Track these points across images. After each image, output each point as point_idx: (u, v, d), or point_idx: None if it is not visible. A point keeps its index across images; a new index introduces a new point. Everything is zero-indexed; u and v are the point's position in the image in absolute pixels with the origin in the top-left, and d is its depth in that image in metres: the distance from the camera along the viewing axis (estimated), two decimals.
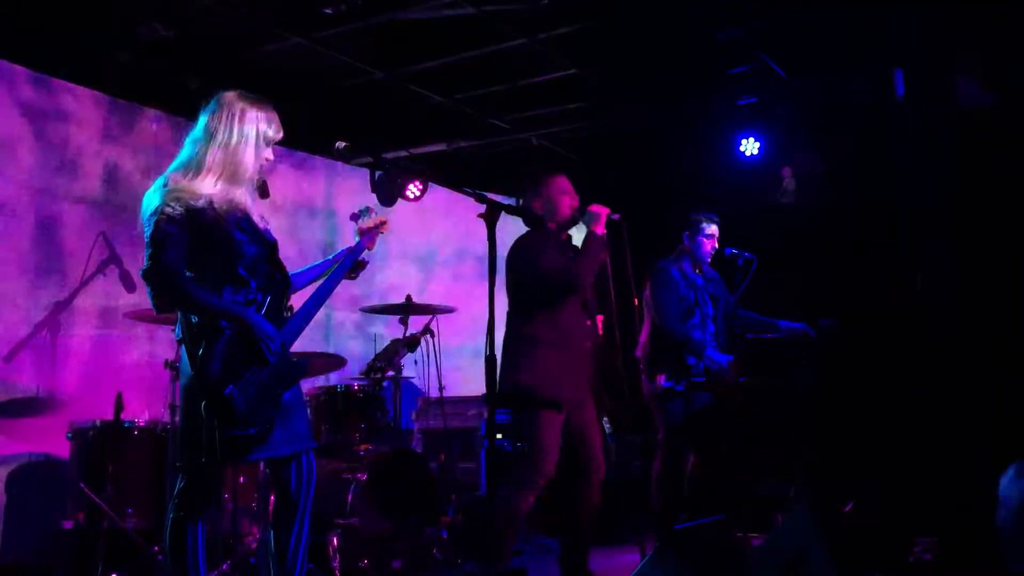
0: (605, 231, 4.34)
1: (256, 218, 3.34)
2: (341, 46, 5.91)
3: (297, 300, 3.47)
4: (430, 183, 7.70)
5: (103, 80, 5.89)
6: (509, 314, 4.42)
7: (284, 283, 3.39)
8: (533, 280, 4.33)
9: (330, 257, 3.68)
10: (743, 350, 5.13)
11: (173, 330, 3.32)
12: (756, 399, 5.05)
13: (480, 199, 3.51)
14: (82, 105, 5.83)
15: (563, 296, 4.31)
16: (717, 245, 5.47)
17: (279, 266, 3.38)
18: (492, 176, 7.71)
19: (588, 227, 4.35)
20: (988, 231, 5.26)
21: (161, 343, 5.74)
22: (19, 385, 5.24)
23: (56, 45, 5.46)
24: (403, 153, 7.61)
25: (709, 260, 5.48)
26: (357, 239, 3.70)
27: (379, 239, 3.80)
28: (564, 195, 4.48)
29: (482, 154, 7.75)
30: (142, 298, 5.77)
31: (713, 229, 5.44)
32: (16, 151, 5.47)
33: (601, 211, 4.35)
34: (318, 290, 3.50)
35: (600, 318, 4.58)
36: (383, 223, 3.77)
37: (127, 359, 5.74)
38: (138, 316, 4.89)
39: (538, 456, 4.20)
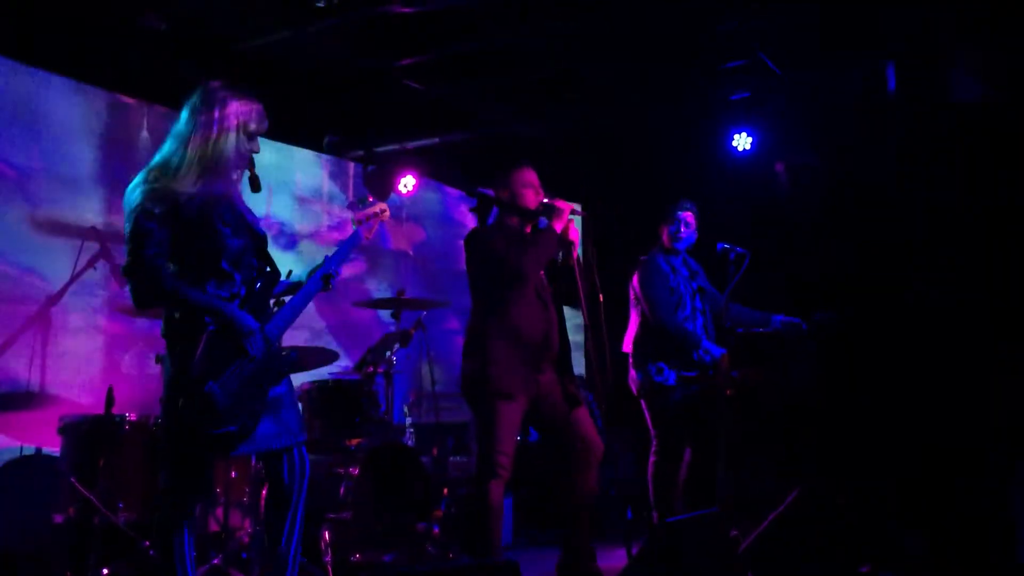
0: (563, 226, 4.30)
1: (244, 210, 3.31)
2: (333, 39, 5.89)
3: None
4: (423, 177, 7.71)
5: (95, 73, 5.87)
6: (471, 307, 4.41)
7: (271, 277, 3.36)
8: (484, 271, 4.33)
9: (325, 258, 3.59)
10: (735, 344, 5.09)
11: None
12: (748, 393, 5.04)
13: (472, 193, 3.50)
14: (73, 98, 5.81)
15: (510, 288, 4.27)
16: (696, 233, 5.39)
17: (267, 259, 3.36)
18: (485, 170, 7.71)
19: (548, 221, 4.32)
20: (985, 225, 5.27)
21: (152, 337, 5.72)
22: (10, 379, 5.22)
23: (48, 38, 5.43)
24: (396, 147, 7.60)
25: (687, 245, 5.39)
26: (354, 228, 3.65)
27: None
28: (528, 188, 4.42)
29: (475, 148, 7.74)
30: None
31: (688, 216, 5.36)
32: (6, 142, 5.45)
33: (564, 207, 4.33)
34: (307, 283, 3.45)
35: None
36: (383, 211, 3.71)
37: (118, 353, 5.72)
38: (129, 310, 4.88)
39: (492, 447, 4.17)
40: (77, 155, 5.80)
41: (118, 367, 5.60)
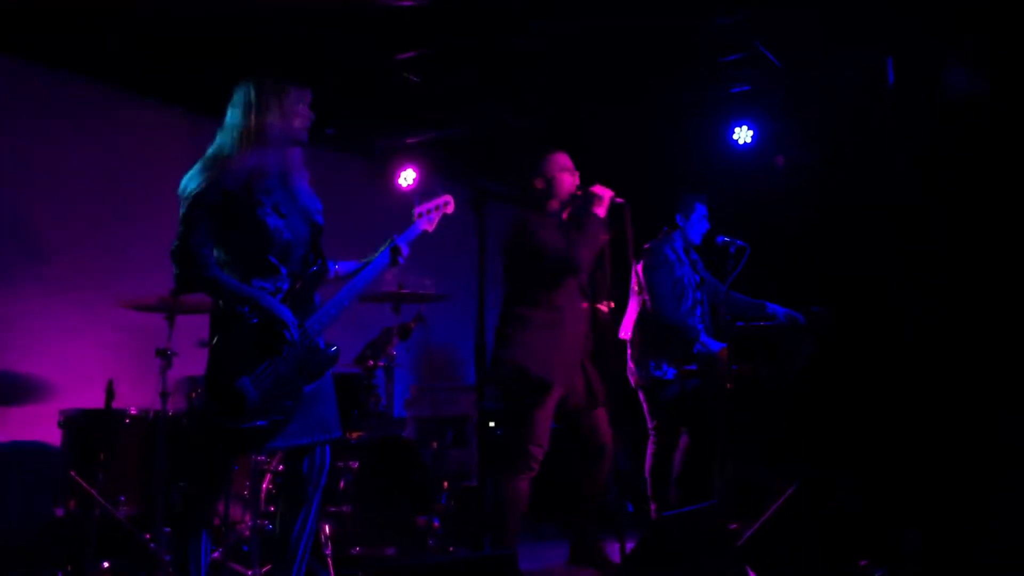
0: (605, 214, 4.28)
1: (305, 198, 3.30)
2: (335, 32, 5.88)
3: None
4: (423, 170, 7.70)
5: (95, 68, 5.87)
6: (504, 294, 4.36)
7: (319, 271, 3.33)
8: (529, 260, 4.26)
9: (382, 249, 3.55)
10: (733, 336, 5.08)
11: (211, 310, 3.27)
12: (746, 387, 5.03)
13: (470, 186, 3.48)
14: (72, 91, 5.81)
15: (560, 277, 4.24)
16: (708, 226, 5.41)
17: (318, 252, 3.34)
18: (485, 163, 7.70)
19: (589, 208, 4.28)
20: (977, 221, 5.27)
21: (153, 331, 5.71)
22: (10, 372, 5.23)
23: (50, 32, 5.43)
24: (396, 141, 7.59)
25: (699, 242, 5.41)
26: (414, 221, 3.62)
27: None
28: (565, 172, 4.42)
29: (475, 142, 7.73)
30: (134, 285, 5.79)
31: (705, 211, 5.40)
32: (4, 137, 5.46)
33: (604, 193, 4.30)
34: (355, 279, 3.43)
35: (610, 304, 4.51)
36: (446, 203, 3.67)
37: (118, 346, 5.72)
38: (130, 304, 4.88)
39: (528, 438, 4.14)
40: (75, 148, 5.80)
41: (119, 361, 5.60)
